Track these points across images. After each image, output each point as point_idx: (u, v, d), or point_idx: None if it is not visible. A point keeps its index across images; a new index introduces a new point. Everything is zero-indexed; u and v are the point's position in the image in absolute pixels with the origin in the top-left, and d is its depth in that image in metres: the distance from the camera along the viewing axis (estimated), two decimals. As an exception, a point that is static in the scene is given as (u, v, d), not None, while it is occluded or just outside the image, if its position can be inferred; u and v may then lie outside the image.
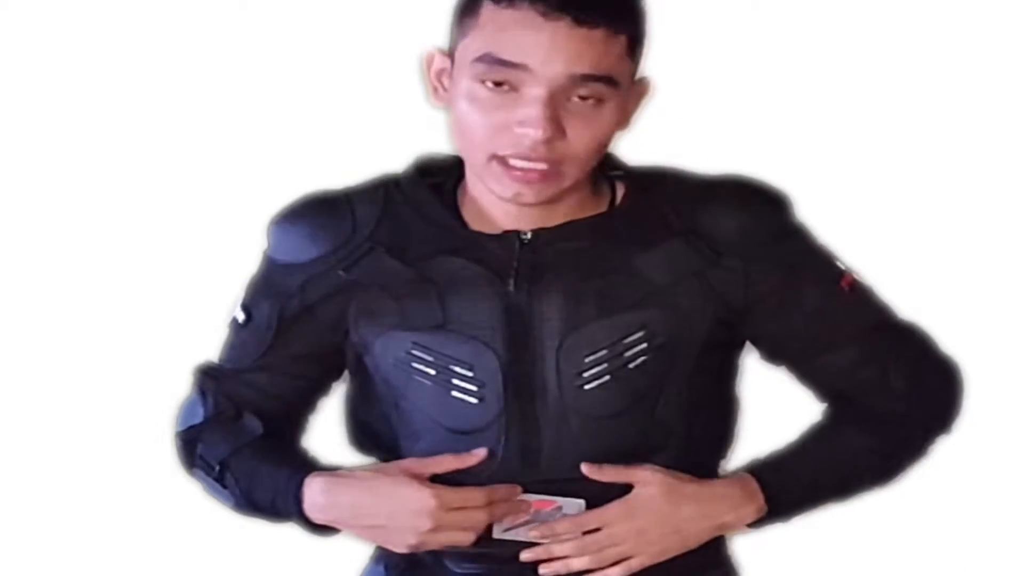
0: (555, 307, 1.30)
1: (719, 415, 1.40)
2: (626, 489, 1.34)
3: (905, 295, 1.97)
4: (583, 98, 1.22)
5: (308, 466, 1.38)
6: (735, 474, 1.37)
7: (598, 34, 1.20)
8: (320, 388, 1.46)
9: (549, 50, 1.19)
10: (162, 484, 1.73)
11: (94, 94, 2.21)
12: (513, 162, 1.25)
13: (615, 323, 1.30)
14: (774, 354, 1.39)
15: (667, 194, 1.32)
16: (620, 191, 1.36)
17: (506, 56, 1.20)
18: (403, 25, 2.12)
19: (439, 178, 1.38)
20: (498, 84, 1.22)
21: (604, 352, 1.30)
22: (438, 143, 2.07)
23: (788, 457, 1.37)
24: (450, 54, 1.28)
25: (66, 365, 2.22)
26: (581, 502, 1.34)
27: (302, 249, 1.37)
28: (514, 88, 1.22)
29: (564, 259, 1.31)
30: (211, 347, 1.48)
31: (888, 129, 2.14)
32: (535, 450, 1.33)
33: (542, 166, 1.24)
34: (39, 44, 2.19)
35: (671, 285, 1.31)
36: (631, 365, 1.31)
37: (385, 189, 1.38)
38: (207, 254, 2.14)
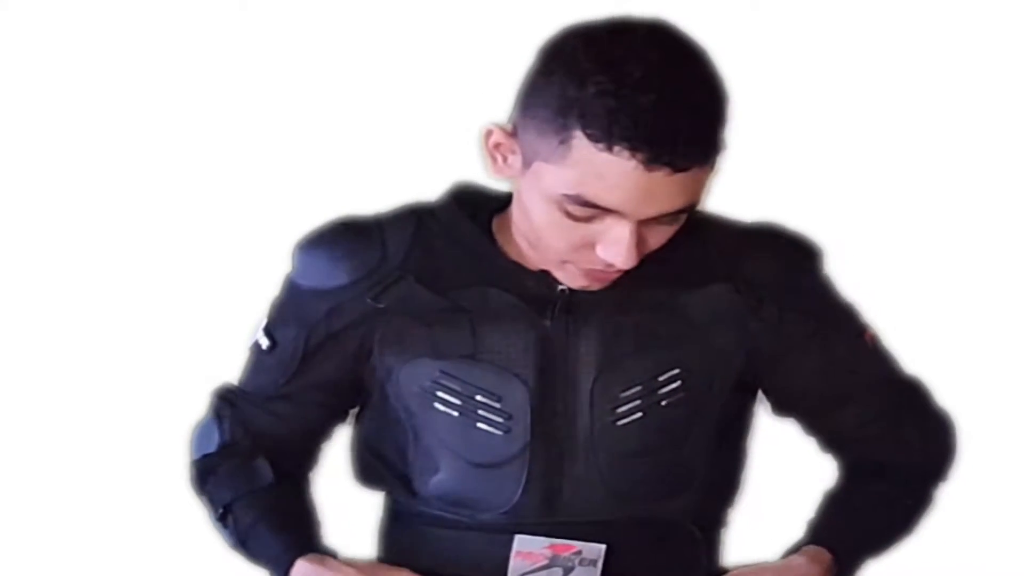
0: (593, 342, 1.27)
1: (735, 461, 1.39)
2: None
3: (903, 295, 1.94)
4: (666, 219, 1.19)
5: (304, 542, 1.32)
6: (801, 547, 1.32)
7: (692, 173, 1.15)
8: (338, 415, 1.41)
9: (645, 197, 1.14)
10: (162, 486, 1.70)
11: (94, 94, 2.15)
12: (590, 267, 1.23)
13: (652, 360, 1.28)
14: (787, 406, 1.38)
15: (709, 239, 1.30)
16: None
17: (600, 202, 1.15)
18: (404, 25, 2.11)
19: (475, 208, 1.34)
20: (583, 217, 1.17)
21: (639, 388, 1.28)
22: (437, 142, 2.06)
23: (833, 528, 1.34)
24: (513, 131, 1.21)
25: (68, 368, 2.15)
26: (601, 547, 1.30)
27: (330, 275, 1.32)
28: (599, 217, 1.17)
29: (604, 295, 1.28)
30: (209, 349, 1.48)
31: (888, 130, 2.14)
32: (557, 487, 1.29)
33: (622, 269, 1.22)
34: (39, 44, 2.14)
35: (709, 325, 1.30)
36: (664, 403, 1.28)
37: (418, 217, 1.34)
38: (206, 254, 2.10)
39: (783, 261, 1.33)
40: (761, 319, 1.30)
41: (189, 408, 1.46)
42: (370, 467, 1.38)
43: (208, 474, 1.38)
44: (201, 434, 1.41)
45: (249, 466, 1.36)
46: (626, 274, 1.26)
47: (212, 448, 1.39)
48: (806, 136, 2.08)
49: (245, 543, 1.34)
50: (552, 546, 1.29)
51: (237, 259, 2.03)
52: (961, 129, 2.12)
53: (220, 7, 2.13)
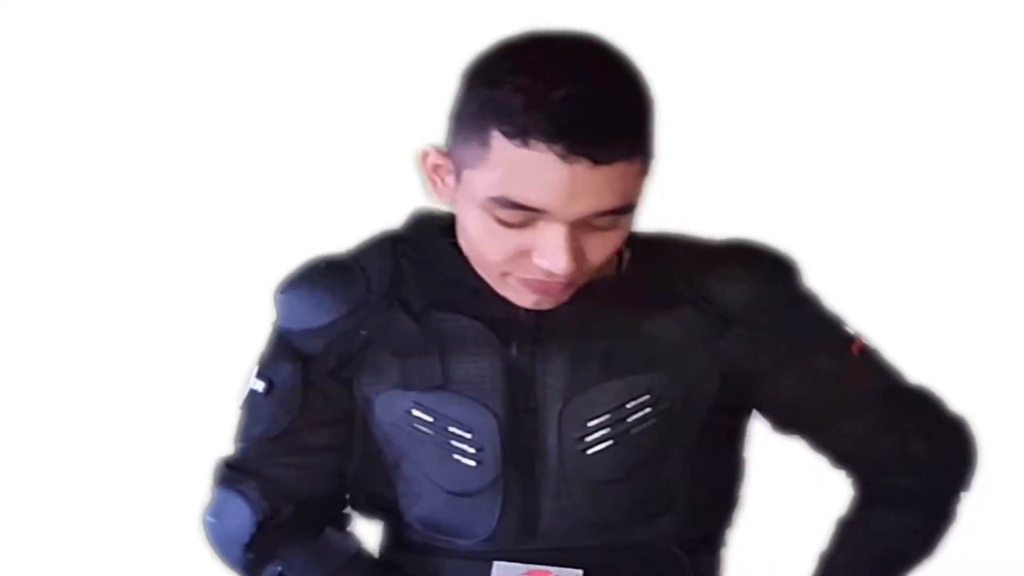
0: (558, 369, 1.27)
1: (725, 478, 1.37)
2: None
3: (903, 296, 1.93)
4: (602, 223, 1.17)
5: None
6: None
7: (617, 169, 1.13)
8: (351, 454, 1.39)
9: (569, 193, 1.12)
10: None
11: (94, 94, 2.18)
12: (531, 278, 1.21)
13: (619, 386, 1.27)
14: (785, 423, 1.36)
15: (674, 260, 1.28)
16: (626, 256, 1.31)
17: (525, 202, 1.13)
18: (403, 24, 2.12)
19: (440, 234, 1.33)
20: (515, 223, 1.16)
21: (607, 416, 1.27)
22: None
23: (846, 561, 1.34)
24: (448, 152, 1.20)
25: (69, 368, 2.20)
26: (579, 572, 1.31)
27: (317, 315, 1.32)
28: (531, 222, 1.16)
29: (569, 322, 1.27)
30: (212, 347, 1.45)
31: (888, 130, 2.11)
32: (534, 516, 1.30)
33: (562, 280, 1.19)
34: (39, 44, 2.17)
35: (678, 350, 1.28)
36: (635, 430, 1.27)
37: (391, 244, 1.33)
38: (204, 253, 2.13)
39: (749, 280, 1.29)
40: (730, 340, 1.28)
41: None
42: (363, 497, 1.39)
43: (269, 559, 1.34)
44: (227, 521, 1.36)
45: (321, 540, 1.34)
46: (589, 299, 1.25)
47: (253, 528, 1.34)
48: (805, 136, 2.05)
49: None
50: (530, 572, 1.31)
51: (226, 256, 2.08)
52: (960, 130, 2.09)
53: (220, 7, 2.15)
